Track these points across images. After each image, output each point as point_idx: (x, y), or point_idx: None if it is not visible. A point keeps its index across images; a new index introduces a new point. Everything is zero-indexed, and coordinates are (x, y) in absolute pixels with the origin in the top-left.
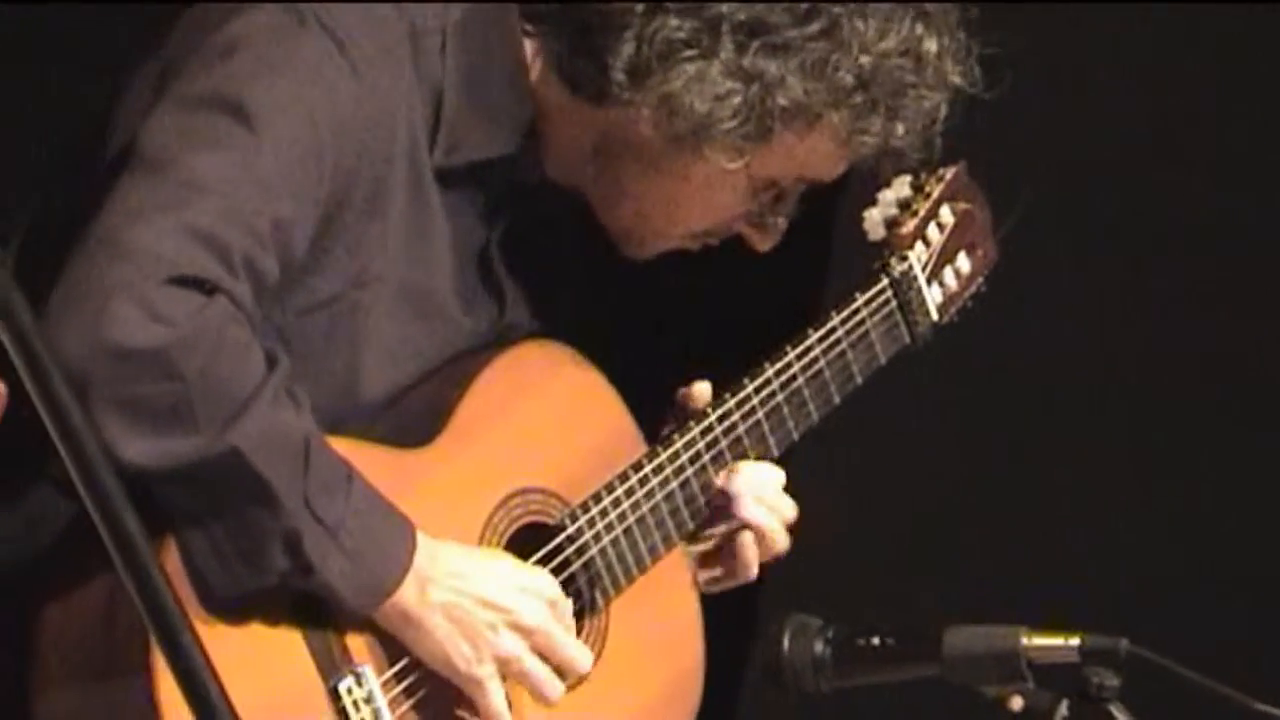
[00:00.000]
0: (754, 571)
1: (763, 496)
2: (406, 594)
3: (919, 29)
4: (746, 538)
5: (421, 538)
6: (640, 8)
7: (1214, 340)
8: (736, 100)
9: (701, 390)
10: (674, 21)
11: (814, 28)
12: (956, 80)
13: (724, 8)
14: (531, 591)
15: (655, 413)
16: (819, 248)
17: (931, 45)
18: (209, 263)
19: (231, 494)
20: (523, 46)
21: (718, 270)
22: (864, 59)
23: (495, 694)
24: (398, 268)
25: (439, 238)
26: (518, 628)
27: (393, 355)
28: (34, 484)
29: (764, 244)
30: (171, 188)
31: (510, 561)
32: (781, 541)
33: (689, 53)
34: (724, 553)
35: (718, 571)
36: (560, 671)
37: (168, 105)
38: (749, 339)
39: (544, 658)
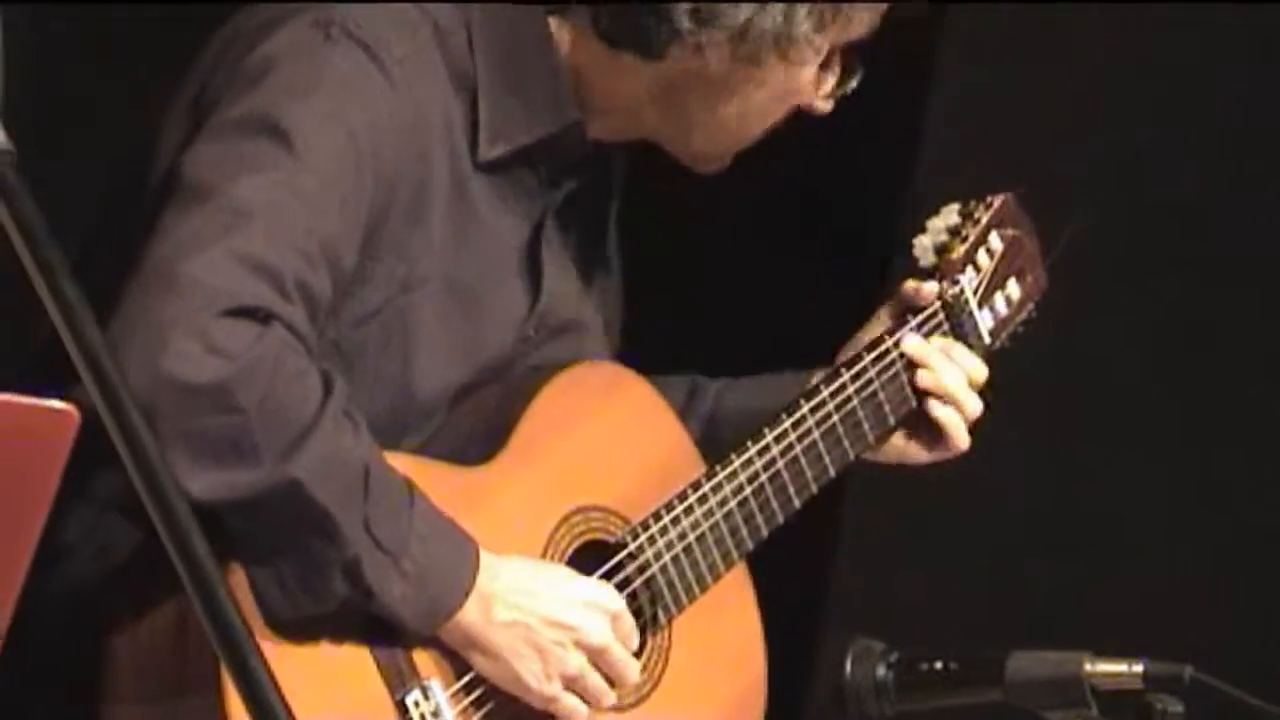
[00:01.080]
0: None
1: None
2: (470, 614)
3: None
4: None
5: (483, 555)
6: None
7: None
8: (804, 5)
9: (920, 288)
10: None
11: None
12: None
13: None
14: (596, 607)
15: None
16: (877, 273)
17: None
18: (262, 290)
19: (292, 523)
20: (548, 25)
21: (771, 278)
22: None
23: (571, 704)
24: (443, 267)
25: (482, 232)
26: (584, 645)
27: (444, 353)
28: (105, 510)
29: (827, 108)
30: (217, 216)
31: (572, 575)
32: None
33: None
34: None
35: (929, 442)
36: (612, 682)
37: (206, 134)
38: (798, 353)
39: (602, 670)
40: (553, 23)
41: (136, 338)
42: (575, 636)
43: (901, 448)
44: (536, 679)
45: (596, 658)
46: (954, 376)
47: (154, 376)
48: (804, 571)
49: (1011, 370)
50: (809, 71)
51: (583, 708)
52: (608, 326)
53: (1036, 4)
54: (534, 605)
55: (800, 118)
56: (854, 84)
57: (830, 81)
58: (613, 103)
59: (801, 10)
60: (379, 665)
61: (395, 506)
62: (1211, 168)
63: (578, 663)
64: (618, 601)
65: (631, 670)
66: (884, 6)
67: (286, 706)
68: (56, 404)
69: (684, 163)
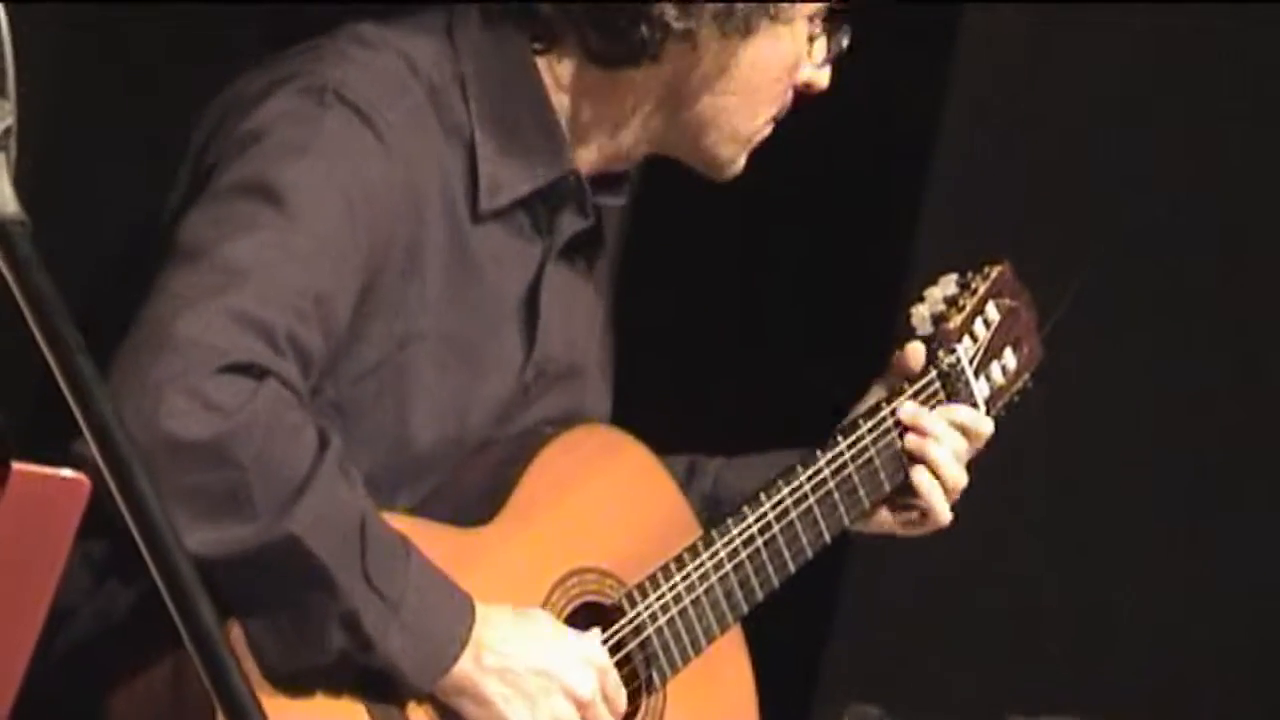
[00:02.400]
0: (946, 516)
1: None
2: (462, 666)
3: None
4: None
5: (478, 607)
6: None
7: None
8: None
9: (915, 351)
10: None
11: None
12: None
13: None
14: (584, 660)
15: (671, 437)
16: (880, 340)
17: None
18: (255, 345)
19: (290, 577)
20: (538, 70)
21: (769, 351)
22: None
23: None
24: (439, 322)
25: (481, 284)
26: (570, 695)
27: (440, 406)
28: (106, 575)
29: (824, 80)
30: (211, 274)
31: (560, 628)
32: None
33: None
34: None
35: (913, 516)
36: None
37: (203, 198)
38: (797, 428)
39: None
40: (542, 64)
41: (133, 395)
42: (561, 684)
43: (886, 519)
44: None
45: (583, 711)
46: (941, 447)
47: (150, 434)
48: (799, 637)
49: (1006, 441)
50: (800, 33)
51: None
52: (604, 370)
53: (1040, 76)
54: (523, 654)
55: (808, 120)
56: (845, 43)
57: (822, 51)
58: (611, 126)
59: None
60: (372, 718)
61: (392, 559)
62: (1215, 232)
63: (564, 710)
64: (604, 657)
65: None
66: None
67: None
68: (69, 473)
69: (700, 170)
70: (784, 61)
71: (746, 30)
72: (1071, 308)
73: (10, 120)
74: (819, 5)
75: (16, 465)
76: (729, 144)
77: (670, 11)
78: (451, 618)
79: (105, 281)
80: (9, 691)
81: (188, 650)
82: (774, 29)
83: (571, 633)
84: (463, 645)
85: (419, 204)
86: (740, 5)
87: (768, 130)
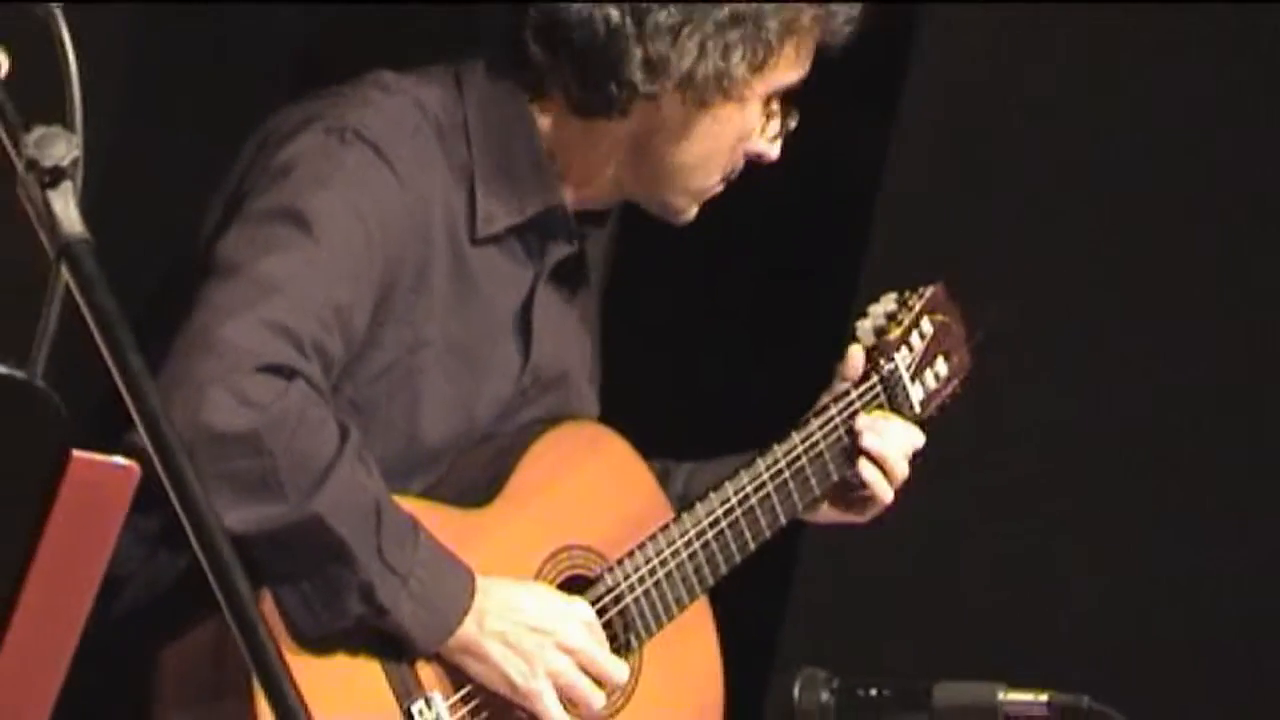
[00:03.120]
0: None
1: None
2: (467, 628)
3: None
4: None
5: (478, 578)
6: (626, 19)
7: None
8: (737, 46)
9: (854, 357)
10: (660, 14)
11: None
12: None
13: None
14: (571, 616)
15: (648, 434)
16: (830, 347)
17: None
18: (286, 350)
19: (314, 552)
20: (532, 114)
21: (746, 356)
22: None
23: (552, 701)
24: (444, 330)
25: (480, 299)
26: (563, 647)
27: (446, 406)
28: (156, 547)
29: (774, 152)
30: (248, 289)
31: (551, 591)
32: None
33: (685, 30)
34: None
35: (863, 503)
36: (599, 682)
37: (238, 220)
38: (759, 413)
39: (586, 671)
40: (535, 111)
41: (179, 393)
42: (555, 640)
43: (834, 513)
44: (522, 677)
45: (578, 659)
46: (893, 445)
47: (194, 426)
48: (760, 608)
49: (953, 441)
50: (754, 111)
51: (562, 713)
52: (591, 376)
53: (984, 115)
54: (518, 616)
55: (758, 178)
56: (793, 124)
57: (774, 125)
58: (592, 170)
59: (736, 54)
60: (388, 679)
61: (403, 537)
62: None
63: (558, 661)
64: (590, 613)
65: (613, 668)
66: (812, 48)
67: (308, 713)
68: (121, 461)
69: (657, 215)
70: (737, 132)
71: (701, 103)
72: (994, 325)
73: (77, 152)
74: (773, 89)
75: (77, 453)
76: (682, 196)
77: (639, 75)
78: (455, 589)
79: (155, 292)
80: (65, 653)
81: (225, 613)
82: (729, 105)
83: (562, 596)
84: (464, 612)
85: (426, 229)
86: (699, 79)
87: (719, 188)
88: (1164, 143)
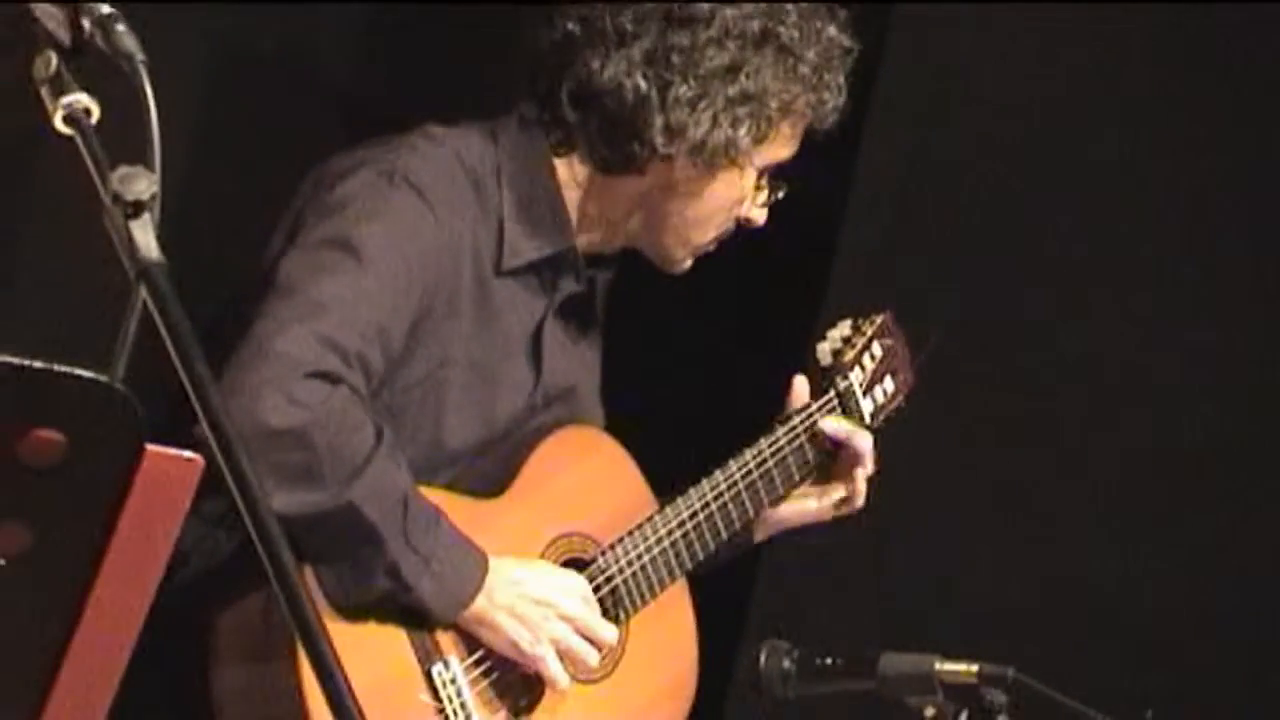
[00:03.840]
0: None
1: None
2: (478, 603)
3: (819, 23)
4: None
5: (490, 560)
6: (651, 90)
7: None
8: (744, 120)
9: (800, 387)
10: (681, 88)
11: (769, 50)
12: (848, 44)
13: (710, 61)
14: (570, 589)
15: (662, 461)
16: (795, 364)
17: (831, 29)
18: (332, 360)
19: (349, 534)
20: (555, 168)
21: (721, 360)
22: (808, 52)
23: (554, 663)
24: (468, 350)
25: (500, 324)
26: (562, 616)
27: (466, 415)
28: (214, 526)
29: (763, 217)
30: (302, 305)
31: (552, 568)
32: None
33: (702, 103)
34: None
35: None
36: (594, 645)
37: (298, 246)
38: (733, 421)
39: (582, 636)
40: (559, 165)
41: (240, 393)
42: (556, 610)
43: (811, 508)
44: (528, 643)
45: (575, 626)
46: (866, 449)
47: (252, 422)
48: (731, 588)
49: (908, 439)
50: (750, 179)
51: (563, 673)
52: (595, 393)
53: (932, 161)
54: (524, 590)
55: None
56: (780, 196)
57: (763, 195)
58: (605, 219)
59: (742, 127)
60: (411, 644)
61: (427, 524)
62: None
63: (560, 630)
64: (585, 586)
65: (605, 632)
66: (802, 129)
67: (343, 671)
68: (187, 454)
69: (657, 263)
70: (735, 196)
71: (709, 167)
72: (934, 348)
73: (155, 188)
74: (769, 161)
75: (149, 446)
76: (681, 248)
77: (659, 139)
78: (469, 570)
79: (220, 309)
80: (138, 619)
81: (272, 583)
82: (732, 171)
83: (561, 571)
84: (477, 589)
85: (457, 263)
86: (710, 146)
87: (712, 246)
88: (1120, 179)
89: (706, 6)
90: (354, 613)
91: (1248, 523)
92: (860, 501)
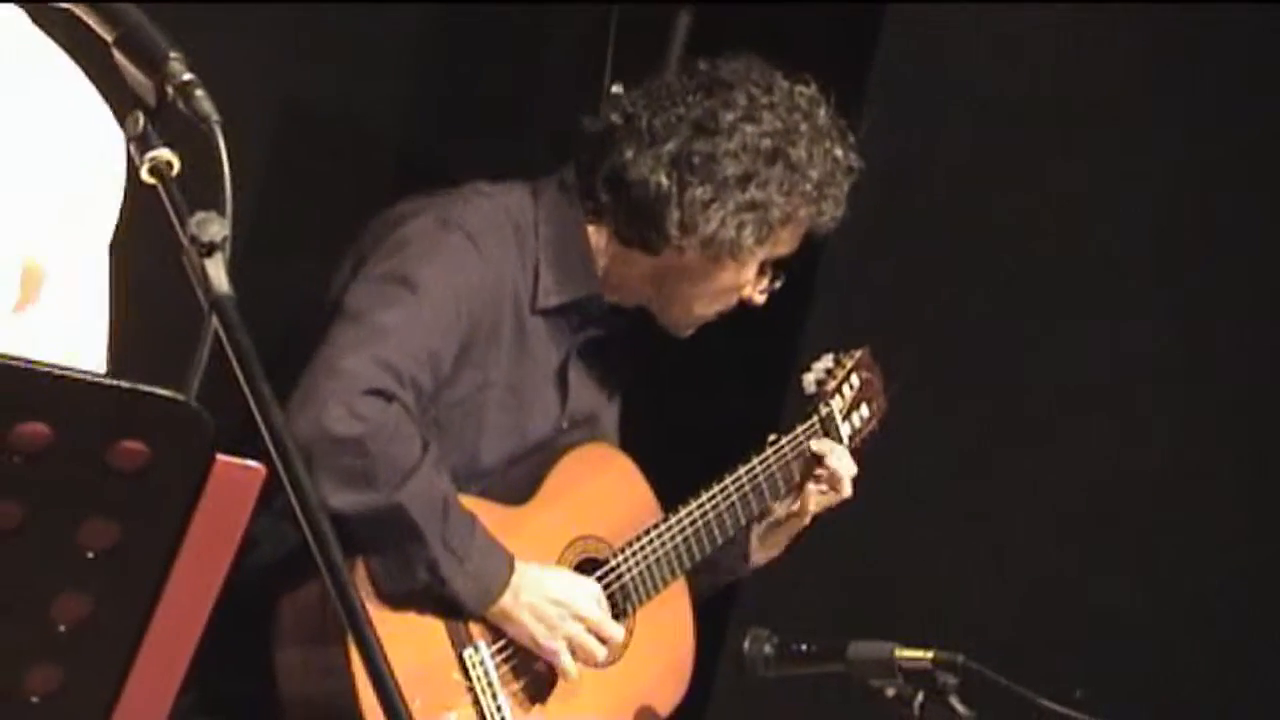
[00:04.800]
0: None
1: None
2: (505, 600)
3: (827, 141)
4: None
5: (517, 563)
6: (673, 188)
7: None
8: (749, 225)
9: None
10: (698, 190)
11: (779, 165)
12: (853, 163)
13: (725, 171)
14: (585, 594)
15: (666, 475)
16: (781, 393)
17: (839, 149)
18: (389, 380)
19: (396, 532)
20: (586, 227)
21: (716, 395)
22: (812, 172)
23: (567, 658)
24: (506, 376)
25: (534, 355)
26: (576, 616)
27: (501, 435)
28: (281, 519)
29: (762, 300)
30: (365, 332)
31: (571, 574)
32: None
33: (713, 205)
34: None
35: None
36: (603, 642)
37: (360, 280)
38: (731, 442)
39: (593, 634)
40: (590, 228)
41: (307, 405)
42: (571, 610)
43: (811, 503)
44: (545, 638)
45: (587, 625)
46: (847, 465)
47: (317, 429)
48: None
49: (887, 458)
50: (751, 270)
51: (573, 666)
52: (614, 420)
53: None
54: (545, 592)
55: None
56: (779, 285)
57: (764, 282)
58: (624, 282)
59: (747, 230)
60: (447, 631)
61: (462, 529)
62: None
63: (574, 629)
64: (599, 590)
65: (613, 631)
66: (802, 233)
67: (384, 654)
68: (251, 463)
69: (664, 327)
70: (735, 284)
71: (715, 259)
72: (902, 382)
73: (227, 231)
74: (769, 257)
75: (219, 457)
76: (684, 319)
77: (673, 231)
78: (498, 569)
79: (283, 337)
80: (205, 612)
81: (324, 577)
82: (734, 264)
83: (578, 577)
84: (504, 587)
85: (499, 299)
86: (716, 242)
87: (714, 318)
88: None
89: (730, 120)
90: (399, 604)
91: (1200, 520)
92: (812, 508)
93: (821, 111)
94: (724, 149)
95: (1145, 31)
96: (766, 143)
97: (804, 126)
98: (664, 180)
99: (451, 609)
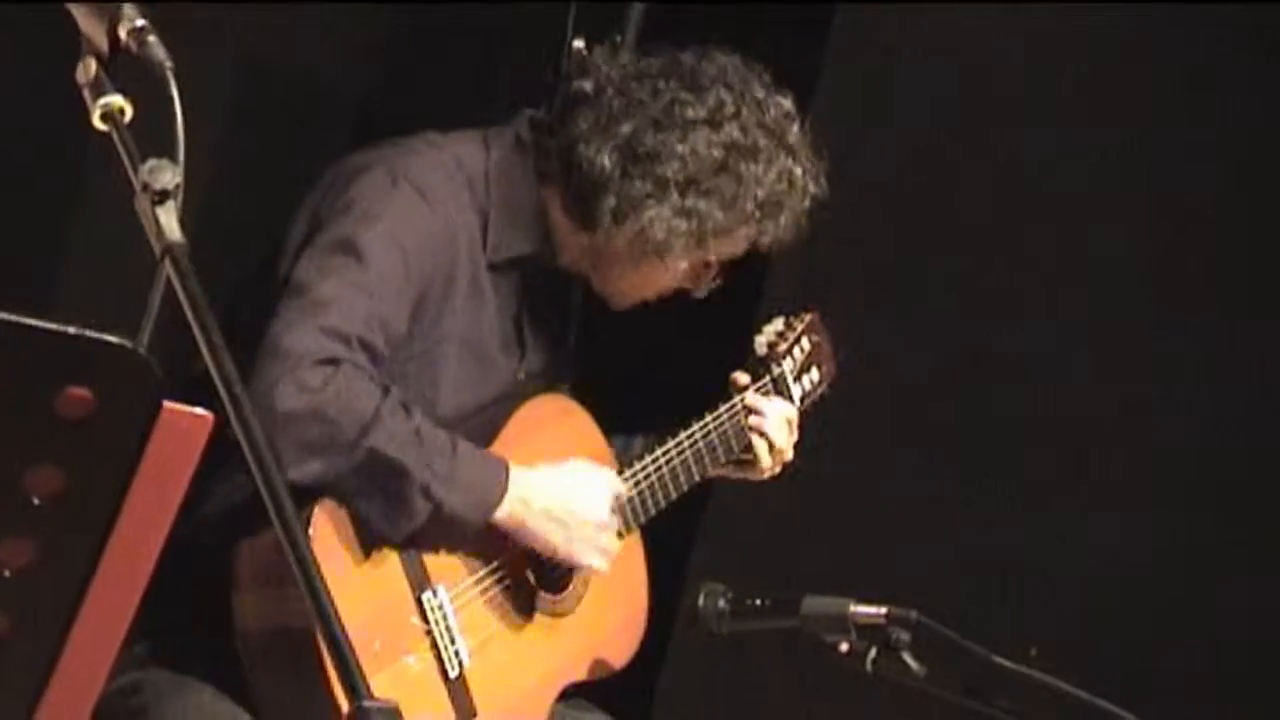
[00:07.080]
0: (768, 464)
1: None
2: (515, 509)
3: (788, 161)
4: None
5: (515, 468)
6: (615, 173)
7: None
8: (682, 230)
9: (741, 378)
10: (638, 183)
11: (725, 177)
12: (814, 189)
13: (670, 170)
14: (600, 491)
15: (622, 425)
16: (739, 350)
17: (798, 170)
18: (336, 346)
19: (380, 475)
20: (537, 184)
21: (677, 346)
22: (759, 191)
23: (592, 558)
24: (461, 329)
25: (488, 308)
26: (592, 522)
27: (458, 386)
28: (236, 471)
29: (700, 293)
30: (308, 305)
31: (583, 467)
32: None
33: (650, 202)
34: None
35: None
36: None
37: (309, 249)
38: (691, 395)
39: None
40: (541, 188)
41: (259, 390)
42: (586, 517)
43: (732, 473)
44: (564, 542)
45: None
46: (775, 424)
47: (271, 413)
48: (677, 539)
49: (839, 413)
50: (680, 269)
51: (599, 559)
52: (568, 373)
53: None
54: (558, 495)
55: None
56: (718, 284)
57: (704, 280)
58: (566, 248)
59: (678, 239)
60: (406, 574)
61: (442, 447)
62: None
63: (590, 533)
64: (618, 483)
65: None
66: (743, 247)
67: (331, 598)
68: (199, 410)
69: (602, 298)
70: (668, 280)
71: (645, 254)
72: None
73: (179, 179)
74: (704, 260)
75: (166, 404)
76: (619, 296)
77: (606, 217)
78: (490, 474)
79: (240, 282)
80: (153, 555)
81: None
82: (662, 263)
83: (592, 468)
84: (504, 490)
85: (453, 252)
86: (645, 240)
87: (653, 299)
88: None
89: (690, 118)
90: (360, 549)
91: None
92: (764, 465)
93: (793, 128)
94: (674, 148)
95: (1084, 28)
96: (718, 153)
97: (764, 142)
98: (608, 164)
99: (413, 551)
